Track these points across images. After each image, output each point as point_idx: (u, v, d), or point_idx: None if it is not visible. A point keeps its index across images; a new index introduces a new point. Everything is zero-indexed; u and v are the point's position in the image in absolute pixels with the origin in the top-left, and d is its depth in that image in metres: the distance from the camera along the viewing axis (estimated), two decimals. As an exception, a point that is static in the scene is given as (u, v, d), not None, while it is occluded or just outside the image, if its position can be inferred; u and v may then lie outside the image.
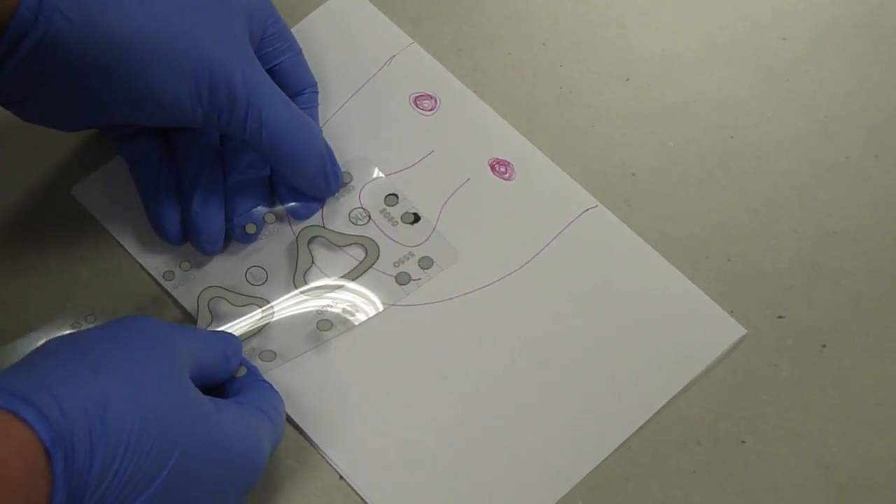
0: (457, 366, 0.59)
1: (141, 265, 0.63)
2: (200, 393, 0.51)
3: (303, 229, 0.63)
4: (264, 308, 0.60)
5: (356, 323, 0.60)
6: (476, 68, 0.67)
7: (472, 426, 0.58)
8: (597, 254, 0.62)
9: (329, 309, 0.60)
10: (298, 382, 0.59)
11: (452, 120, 0.65)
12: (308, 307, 0.61)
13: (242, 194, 0.62)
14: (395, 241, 0.62)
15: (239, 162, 0.62)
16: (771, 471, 0.57)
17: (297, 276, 0.61)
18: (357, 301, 0.61)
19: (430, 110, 0.66)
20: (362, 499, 0.57)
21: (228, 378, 0.57)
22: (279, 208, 0.63)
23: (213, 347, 0.56)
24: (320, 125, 0.65)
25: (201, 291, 0.61)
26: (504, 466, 0.57)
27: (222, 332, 0.59)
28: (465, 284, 0.61)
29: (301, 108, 0.62)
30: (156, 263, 0.63)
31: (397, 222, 0.63)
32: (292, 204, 0.63)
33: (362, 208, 0.63)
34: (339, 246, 0.62)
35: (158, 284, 0.62)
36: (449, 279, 0.61)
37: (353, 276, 0.61)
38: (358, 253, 0.62)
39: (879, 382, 0.58)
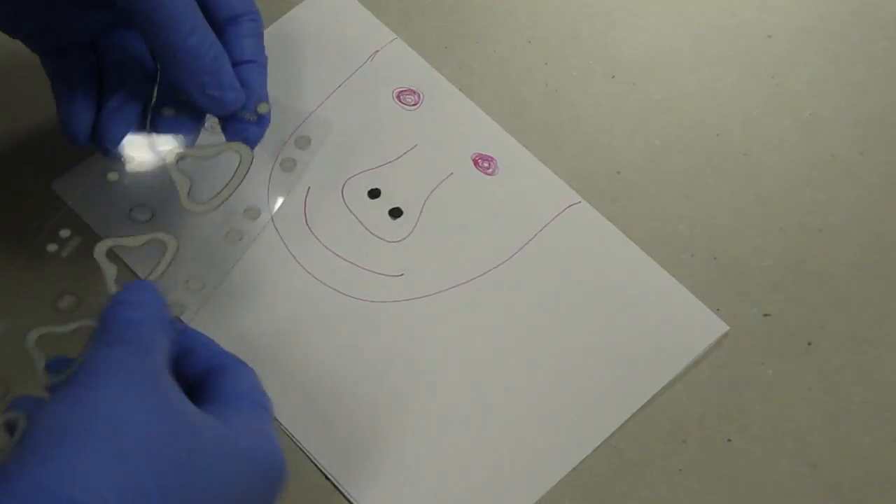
0: (437, 362, 0.59)
1: (123, 261, 0.62)
2: (199, 412, 0.47)
3: (170, 153, 0.58)
4: (165, 240, 0.56)
5: (263, 224, 0.57)
6: (462, 66, 0.66)
7: (453, 422, 0.57)
8: (580, 250, 0.61)
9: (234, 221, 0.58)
10: (278, 381, 0.58)
11: (435, 115, 0.65)
12: (212, 226, 0.58)
13: (168, 125, 0.58)
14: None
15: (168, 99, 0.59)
16: (757, 469, 0.56)
17: (183, 200, 0.57)
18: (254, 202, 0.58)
19: (414, 105, 0.65)
20: (346, 497, 0.56)
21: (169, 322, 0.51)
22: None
23: (149, 314, 0.49)
24: (267, 57, 0.59)
25: (94, 246, 0.56)
26: (488, 462, 0.56)
27: (132, 286, 0.51)
28: (446, 280, 0.61)
29: (241, 37, 0.58)
30: (138, 259, 0.61)
31: (378, 215, 0.62)
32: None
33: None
34: (211, 157, 0.58)
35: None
36: (431, 274, 0.61)
37: (235, 182, 0.57)
38: (233, 159, 0.58)
39: (865, 380, 0.58)
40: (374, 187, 0.63)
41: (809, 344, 0.59)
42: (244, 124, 0.57)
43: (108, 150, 0.58)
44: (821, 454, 0.57)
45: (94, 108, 0.58)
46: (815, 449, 0.57)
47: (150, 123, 0.58)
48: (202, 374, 0.52)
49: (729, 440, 0.57)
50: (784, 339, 0.59)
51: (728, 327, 0.59)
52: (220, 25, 0.57)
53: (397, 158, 0.64)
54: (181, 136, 0.58)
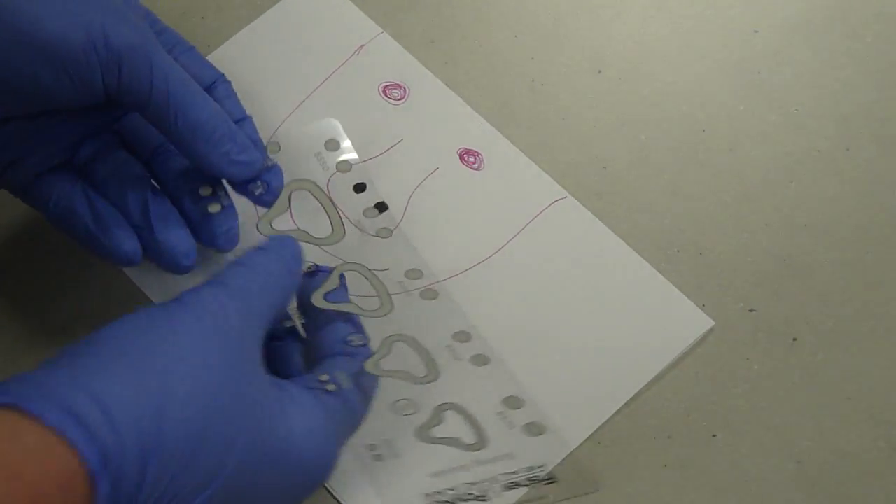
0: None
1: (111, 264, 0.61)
2: (267, 377, 0.47)
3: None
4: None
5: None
6: (448, 60, 0.66)
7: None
8: (565, 244, 0.61)
9: None
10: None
11: (421, 109, 0.65)
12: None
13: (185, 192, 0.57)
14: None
15: (170, 170, 0.58)
16: (742, 464, 0.56)
17: (263, 221, 0.56)
18: None
19: (399, 100, 0.65)
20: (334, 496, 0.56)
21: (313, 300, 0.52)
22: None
23: (278, 274, 0.50)
24: (248, 115, 0.59)
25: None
26: (470, 459, 0.55)
27: (279, 238, 0.52)
28: (432, 275, 0.60)
29: (225, 100, 0.58)
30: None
31: (363, 209, 0.62)
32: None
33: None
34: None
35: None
36: (416, 269, 0.60)
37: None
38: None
39: (850, 376, 0.58)
40: (359, 182, 0.62)
41: (794, 340, 0.59)
42: (260, 179, 0.57)
43: (187, 269, 0.57)
44: (805, 450, 0.56)
45: (127, 223, 0.56)
46: (800, 445, 0.57)
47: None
48: (321, 355, 0.52)
49: (714, 436, 0.57)
50: (769, 335, 0.59)
51: (713, 323, 0.59)
52: None
53: (383, 153, 0.63)
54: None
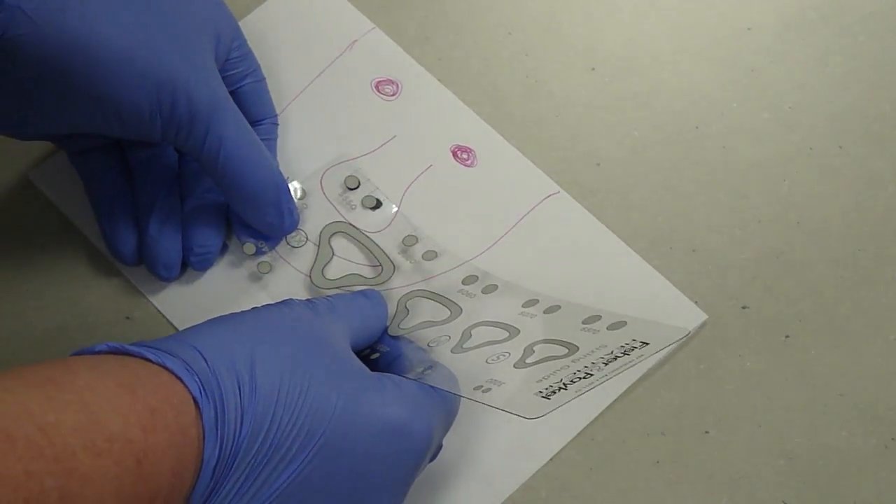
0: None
1: (102, 253, 0.61)
2: (360, 363, 0.50)
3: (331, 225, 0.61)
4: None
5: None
6: (442, 57, 0.66)
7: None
8: (559, 239, 0.61)
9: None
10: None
11: (414, 106, 0.64)
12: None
13: (199, 221, 0.59)
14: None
15: (197, 186, 0.60)
16: (734, 460, 0.56)
17: (316, 272, 0.60)
18: None
19: (392, 95, 0.64)
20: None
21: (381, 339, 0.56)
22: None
23: (360, 308, 0.55)
24: (275, 153, 0.62)
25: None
26: (464, 453, 0.56)
27: (376, 293, 0.57)
28: (426, 270, 0.60)
29: (261, 139, 0.60)
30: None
31: (356, 206, 0.61)
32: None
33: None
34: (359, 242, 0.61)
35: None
36: (410, 266, 0.60)
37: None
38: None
39: (842, 373, 0.58)
40: (352, 178, 0.62)
41: (787, 336, 0.58)
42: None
43: (164, 279, 0.60)
44: (797, 446, 0.56)
45: (133, 226, 0.60)
46: (792, 441, 0.56)
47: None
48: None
49: (706, 432, 0.57)
50: (762, 332, 0.59)
51: (707, 316, 0.59)
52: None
53: (376, 149, 0.63)
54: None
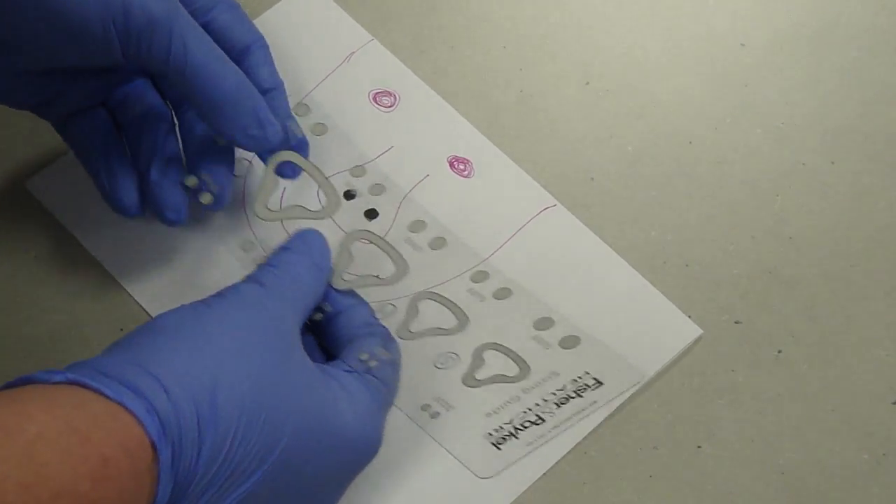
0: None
1: (100, 263, 0.60)
2: (311, 362, 0.49)
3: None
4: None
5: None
6: (437, 70, 0.65)
7: (424, 423, 0.56)
8: (555, 252, 0.60)
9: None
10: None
11: (412, 117, 0.63)
12: None
13: (202, 160, 0.57)
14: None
15: (194, 135, 0.58)
16: (727, 475, 0.55)
17: (259, 203, 0.56)
18: None
19: (390, 107, 0.63)
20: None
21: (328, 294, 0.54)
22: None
23: (307, 270, 0.52)
24: (282, 81, 0.59)
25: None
26: (455, 471, 0.55)
27: (303, 233, 0.54)
28: (422, 282, 0.59)
29: (257, 67, 0.58)
30: (116, 260, 0.60)
31: (354, 215, 0.60)
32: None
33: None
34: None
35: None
36: (406, 276, 0.59)
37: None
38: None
39: (834, 388, 0.57)
40: (349, 188, 0.61)
41: (779, 352, 0.58)
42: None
43: (172, 223, 0.57)
44: (789, 461, 0.56)
45: (134, 175, 0.57)
46: (784, 456, 0.56)
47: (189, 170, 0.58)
48: (347, 339, 0.53)
49: (699, 447, 0.56)
50: (754, 347, 0.58)
51: (701, 331, 0.58)
52: (234, 58, 0.56)
53: (373, 160, 0.62)
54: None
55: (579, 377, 0.51)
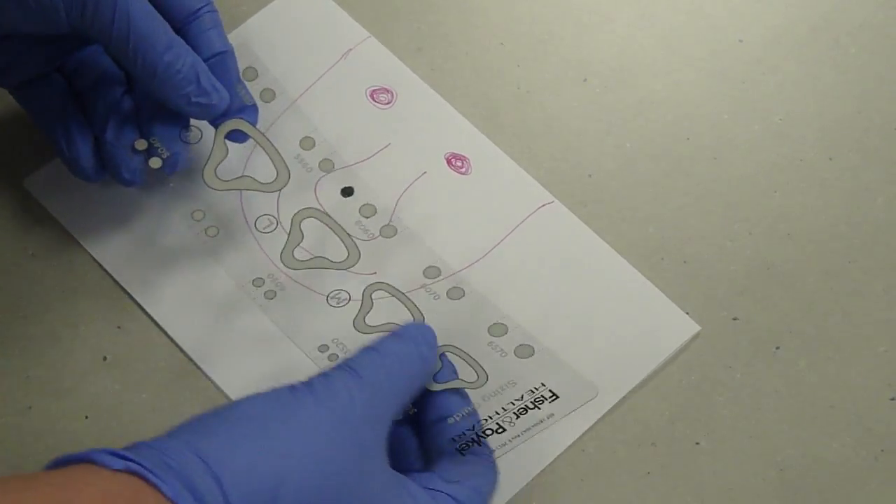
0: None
1: (98, 262, 0.60)
2: (391, 472, 0.46)
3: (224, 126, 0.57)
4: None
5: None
6: (434, 67, 0.64)
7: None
8: (553, 249, 0.59)
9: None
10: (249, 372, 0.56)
11: (409, 114, 0.63)
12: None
13: (154, 124, 0.57)
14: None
15: (147, 100, 0.57)
16: (724, 471, 0.55)
17: (208, 171, 0.55)
18: None
19: (387, 104, 0.63)
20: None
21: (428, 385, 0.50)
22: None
23: (410, 362, 0.48)
24: (232, 46, 0.58)
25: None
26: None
27: (415, 325, 0.51)
28: (419, 279, 0.59)
29: (205, 31, 0.57)
30: (115, 260, 0.60)
31: (353, 214, 0.60)
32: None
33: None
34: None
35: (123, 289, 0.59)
36: (404, 273, 0.59)
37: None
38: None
39: (832, 385, 0.57)
40: (347, 185, 0.61)
41: (777, 348, 0.57)
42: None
43: (128, 183, 0.57)
44: (787, 457, 0.55)
45: (91, 139, 0.57)
46: (782, 452, 0.55)
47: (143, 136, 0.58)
48: (437, 451, 0.50)
49: (697, 443, 0.56)
50: (752, 343, 0.58)
51: (700, 328, 0.57)
52: (181, 23, 0.56)
53: (371, 157, 0.62)
54: None
55: (536, 388, 0.50)
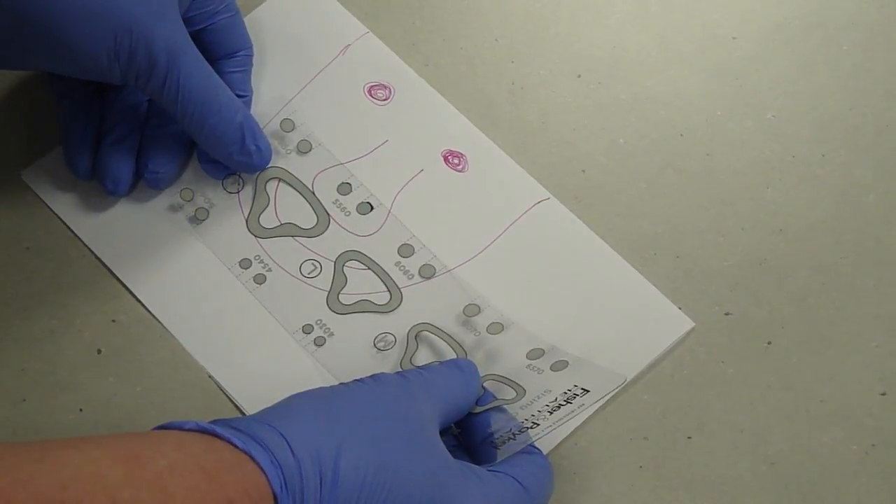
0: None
1: (95, 255, 0.59)
2: (447, 453, 0.48)
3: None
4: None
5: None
6: (429, 63, 0.64)
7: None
8: (549, 245, 0.59)
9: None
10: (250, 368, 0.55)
11: (406, 110, 0.62)
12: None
13: (156, 146, 0.59)
14: (350, 231, 0.59)
15: (162, 118, 0.59)
16: (716, 466, 0.54)
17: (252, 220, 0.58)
18: None
19: (385, 100, 0.62)
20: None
21: (471, 409, 0.53)
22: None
23: (454, 382, 0.52)
24: (252, 91, 0.61)
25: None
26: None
27: (456, 359, 0.54)
28: (417, 275, 0.58)
29: (233, 71, 0.59)
30: (111, 252, 0.59)
31: (350, 212, 0.59)
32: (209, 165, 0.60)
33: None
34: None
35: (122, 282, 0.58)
36: (401, 270, 0.58)
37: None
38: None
39: (822, 380, 0.56)
40: (344, 182, 0.60)
41: (769, 343, 0.57)
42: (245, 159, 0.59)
43: (110, 192, 0.59)
44: (779, 452, 0.55)
45: (93, 141, 0.59)
46: (774, 447, 0.55)
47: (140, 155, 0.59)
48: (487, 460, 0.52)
49: (689, 437, 0.55)
50: (744, 338, 0.57)
51: (693, 323, 0.57)
52: (220, 59, 0.59)
53: (368, 153, 0.61)
54: None
55: (569, 389, 0.50)
